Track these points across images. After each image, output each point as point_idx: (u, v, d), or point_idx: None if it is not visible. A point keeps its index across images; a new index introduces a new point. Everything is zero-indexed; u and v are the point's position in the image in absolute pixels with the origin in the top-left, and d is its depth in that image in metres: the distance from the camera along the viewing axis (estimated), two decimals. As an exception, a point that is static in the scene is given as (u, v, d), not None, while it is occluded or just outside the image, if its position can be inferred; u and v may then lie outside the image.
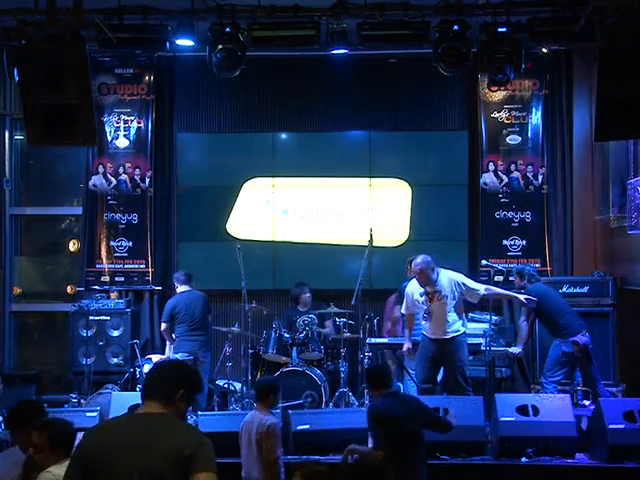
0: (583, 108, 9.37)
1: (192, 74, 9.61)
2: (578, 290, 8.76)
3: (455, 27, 6.88)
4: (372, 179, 9.64)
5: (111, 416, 6.97)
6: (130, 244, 9.59)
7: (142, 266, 9.59)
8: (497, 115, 9.47)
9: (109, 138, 9.62)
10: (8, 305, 9.92)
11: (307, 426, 6.85)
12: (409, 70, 9.57)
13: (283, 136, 9.90)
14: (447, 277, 7.50)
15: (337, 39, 7.19)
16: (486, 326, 7.95)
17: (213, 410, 8.21)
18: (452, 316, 7.45)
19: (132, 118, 9.62)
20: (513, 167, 9.46)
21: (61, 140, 6.90)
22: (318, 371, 8.29)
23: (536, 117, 9.44)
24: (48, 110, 6.45)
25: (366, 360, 8.20)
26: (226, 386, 8.30)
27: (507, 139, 9.48)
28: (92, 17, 6.79)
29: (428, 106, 9.72)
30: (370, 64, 9.45)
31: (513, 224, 9.44)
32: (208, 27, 7.09)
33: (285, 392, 7.80)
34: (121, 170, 9.62)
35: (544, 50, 8.95)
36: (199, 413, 8.05)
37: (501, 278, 8.48)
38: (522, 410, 6.79)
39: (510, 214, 9.45)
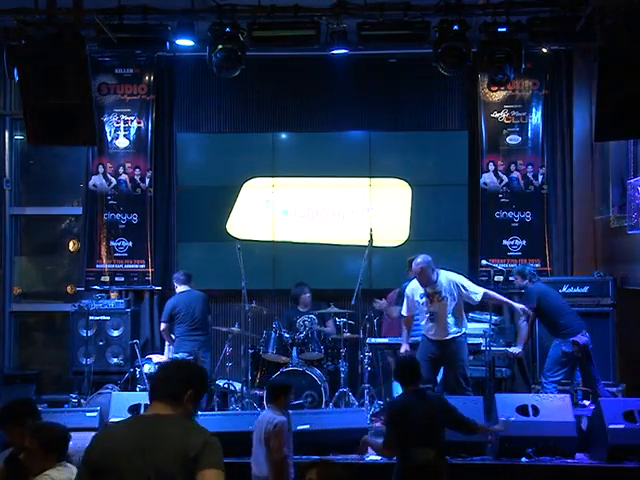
0: (583, 108, 9.37)
1: (192, 74, 9.60)
2: (578, 290, 8.76)
3: (455, 27, 6.87)
4: (372, 179, 9.64)
5: (111, 416, 6.99)
6: (130, 244, 9.59)
7: (142, 266, 9.59)
8: (497, 115, 9.47)
9: (109, 138, 9.62)
10: (8, 305, 9.91)
11: (307, 426, 6.85)
12: (409, 70, 9.57)
13: (283, 136, 9.90)
14: (446, 278, 7.49)
15: (337, 39, 7.17)
16: (486, 326, 7.95)
17: (213, 410, 8.21)
18: (452, 317, 7.44)
19: (132, 118, 9.62)
20: (513, 167, 9.46)
21: (61, 140, 6.91)
22: (318, 371, 8.29)
23: (536, 117, 9.44)
24: (48, 110, 6.45)
25: (366, 360, 8.21)
26: (226, 386, 8.30)
27: (507, 139, 9.48)
28: (92, 17, 6.78)
29: (428, 106, 9.72)
30: (370, 64, 9.45)
31: (513, 224, 9.44)
32: (208, 27, 7.09)
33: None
34: (121, 170, 9.62)
35: (544, 50, 8.95)
36: (199, 413, 8.06)
37: (501, 278, 8.49)
38: (522, 410, 6.79)
39: (510, 214, 9.45)
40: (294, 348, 8.41)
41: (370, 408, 7.92)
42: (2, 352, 9.73)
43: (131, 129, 9.64)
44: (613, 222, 8.76)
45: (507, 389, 8.58)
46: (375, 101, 9.66)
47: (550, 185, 9.45)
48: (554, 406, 6.86)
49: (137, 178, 9.63)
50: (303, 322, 8.71)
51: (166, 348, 8.95)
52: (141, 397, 7.27)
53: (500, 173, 9.47)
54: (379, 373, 8.49)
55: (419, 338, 8.03)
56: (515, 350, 8.07)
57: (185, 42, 7.42)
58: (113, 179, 9.62)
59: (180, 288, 8.70)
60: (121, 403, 7.12)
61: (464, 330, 7.56)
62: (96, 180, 9.62)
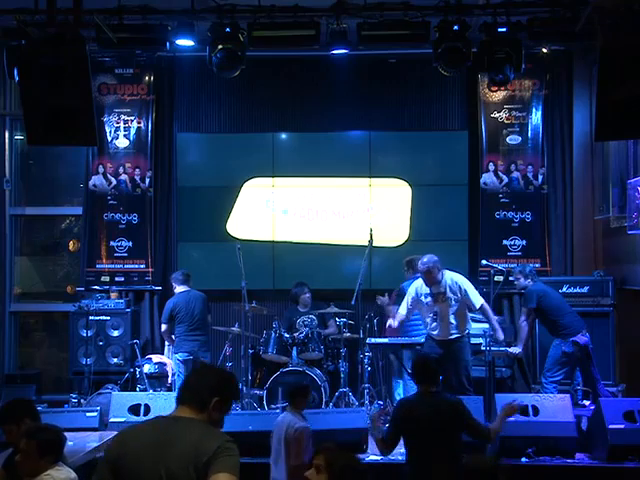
0: (583, 108, 9.37)
1: (192, 74, 9.60)
2: (578, 290, 8.76)
3: (455, 27, 6.88)
4: (372, 179, 9.64)
5: (111, 416, 6.99)
6: (130, 244, 9.59)
7: (142, 266, 9.59)
8: (497, 115, 9.47)
9: (109, 138, 9.62)
10: (8, 305, 9.91)
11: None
12: (409, 70, 9.58)
13: (283, 136, 9.90)
14: (451, 278, 7.50)
15: (337, 39, 7.19)
16: (486, 326, 7.93)
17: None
18: (456, 317, 7.46)
19: (132, 118, 9.62)
20: (513, 167, 9.46)
21: (61, 140, 6.89)
22: (318, 371, 8.29)
23: (536, 117, 9.45)
24: (48, 110, 6.44)
25: (366, 360, 8.21)
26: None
27: (507, 139, 9.48)
28: (92, 17, 6.79)
29: (428, 106, 9.72)
30: (370, 64, 9.45)
31: (513, 224, 9.44)
32: (208, 27, 7.09)
33: (285, 392, 7.81)
34: (121, 170, 9.62)
35: (544, 50, 8.94)
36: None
37: (501, 278, 8.47)
38: (522, 410, 6.78)
39: (510, 214, 9.45)
40: (294, 348, 8.41)
41: (370, 408, 7.91)
42: (2, 352, 9.73)
43: (131, 129, 9.64)
44: (613, 222, 8.76)
45: (507, 389, 8.57)
46: (375, 101, 9.66)
47: (550, 185, 9.46)
48: (554, 406, 6.86)
49: (137, 178, 9.63)
50: (303, 322, 8.71)
51: (166, 348, 8.96)
52: (141, 397, 7.28)
53: (500, 173, 9.47)
54: (379, 373, 8.50)
55: (418, 338, 8.07)
56: (515, 350, 8.07)
57: (185, 42, 7.42)
58: (113, 179, 9.62)
59: (179, 288, 8.69)
60: (121, 403, 7.12)
61: (468, 330, 7.57)
62: (96, 180, 9.62)
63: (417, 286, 7.61)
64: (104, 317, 9.11)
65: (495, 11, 6.90)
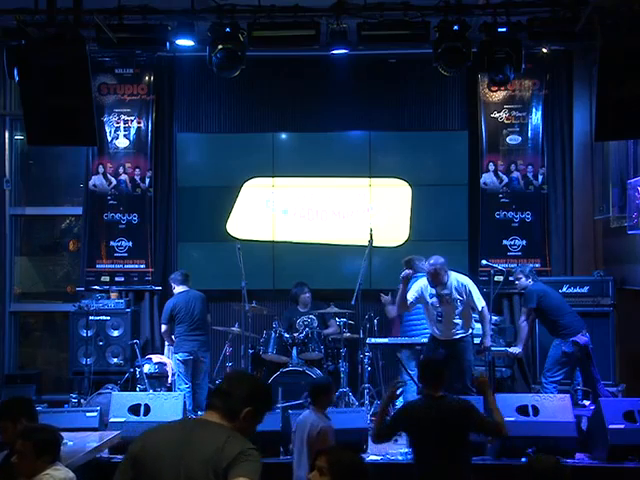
0: (583, 108, 9.36)
1: (192, 74, 9.60)
2: (578, 290, 8.76)
3: (455, 27, 6.87)
4: (372, 179, 9.64)
5: (111, 416, 6.99)
6: (130, 244, 9.59)
7: (142, 266, 9.59)
8: (497, 115, 9.47)
9: (109, 138, 9.62)
10: (8, 305, 9.91)
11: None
12: (409, 70, 9.57)
13: (283, 136, 9.90)
14: (456, 280, 7.50)
15: (337, 39, 7.17)
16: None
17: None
18: (460, 318, 7.46)
19: (132, 118, 9.62)
20: (513, 167, 9.46)
21: (61, 140, 6.91)
22: (318, 371, 8.29)
23: (536, 117, 9.45)
24: (48, 110, 6.45)
25: (366, 360, 8.21)
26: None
27: (507, 139, 9.48)
28: (92, 17, 6.78)
29: (428, 106, 9.71)
30: (370, 64, 9.45)
31: (513, 224, 9.44)
32: (208, 27, 7.09)
33: (285, 392, 7.81)
34: (121, 170, 9.62)
35: (544, 50, 8.94)
36: (199, 413, 8.07)
37: (501, 278, 8.47)
38: (522, 410, 6.79)
39: (510, 214, 9.45)
40: (294, 348, 8.41)
41: (370, 408, 7.91)
42: (2, 352, 9.73)
43: (131, 129, 9.64)
44: (613, 222, 8.76)
45: (507, 389, 8.57)
46: (375, 101, 9.66)
47: (550, 185, 9.46)
48: (554, 406, 6.86)
49: (137, 178, 9.63)
50: (303, 322, 8.71)
51: (166, 348, 8.96)
52: (141, 397, 7.27)
53: (500, 173, 9.47)
54: (379, 373, 8.50)
55: (418, 338, 8.07)
56: (515, 350, 8.08)
57: (185, 42, 7.42)
58: (113, 179, 9.62)
59: (178, 289, 8.68)
60: (121, 403, 7.11)
61: (471, 331, 7.58)
62: (96, 180, 9.62)
63: (422, 284, 7.58)
64: (104, 317, 9.11)
65: (495, 11, 6.89)
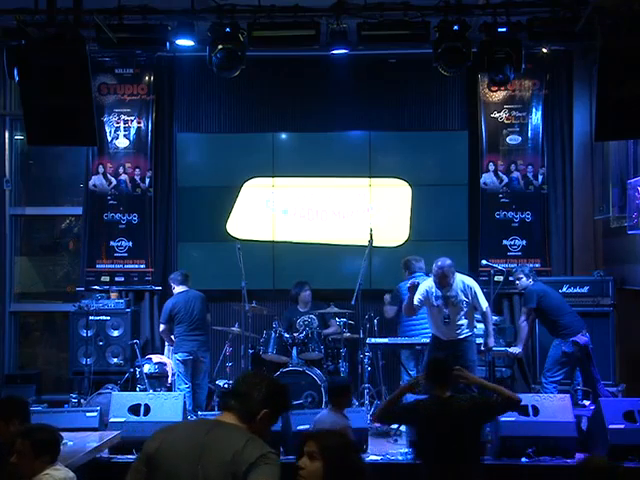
0: (583, 108, 9.36)
1: (192, 74, 9.60)
2: (578, 290, 8.76)
3: (455, 27, 6.87)
4: (372, 179, 9.64)
5: (111, 416, 6.99)
6: (130, 244, 9.59)
7: (142, 266, 9.59)
8: (497, 115, 9.47)
9: (109, 138, 9.62)
10: (8, 305, 9.91)
11: (307, 426, 6.82)
12: (409, 70, 9.56)
13: (283, 136, 9.89)
14: (462, 281, 7.49)
15: (337, 39, 7.17)
16: (486, 326, 7.95)
17: (213, 410, 8.22)
18: (465, 319, 7.47)
19: (132, 118, 9.62)
20: (513, 167, 9.46)
21: (61, 140, 6.91)
22: (318, 371, 8.29)
23: (536, 117, 9.45)
24: (48, 110, 6.45)
25: (366, 360, 8.21)
26: (226, 386, 8.30)
27: (507, 139, 9.48)
28: (92, 17, 6.78)
29: (428, 106, 9.71)
30: (370, 64, 9.45)
31: (513, 224, 9.44)
32: (208, 27, 7.09)
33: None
34: (121, 170, 9.62)
35: (544, 50, 8.94)
36: (199, 413, 8.08)
37: (501, 278, 8.47)
38: (522, 410, 6.78)
39: (510, 214, 9.45)
40: (294, 348, 8.41)
41: (370, 408, 7.91)
42: (2, 352, 9.73)
43: (131, 129, 9.64)
44: (613, 222, 8.76)
45: (507, 389, 8.56)
46: (375, 101, 9.66)
47: (550, 185, 9.45)
48: (554, 406, 6.86)
49: (137, 178, 9.62)
50: (303, 322, 8.71)
51: (166, 348, 8.95)
52: (141, 397, 7.28)
53: (500, 173, 9.47)
54: (379, 373, 8.50)
55: (418, 338, 8.07)
56: (515, 350, 8.08)
57: (185, 42, 7.41)
58: (113, 179, 9.62)
59: (178, 289, 8.68)
60: (121, 403, 7.12)
61: (474, 331, 7.59)
62: (96, 180, 9.62)
63: (428, 286, 7.57)
64: (104, 317, 9.10)
65: (495, 11, 6.89)
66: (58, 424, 5.15)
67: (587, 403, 7.80)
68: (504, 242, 9.42)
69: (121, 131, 9.63)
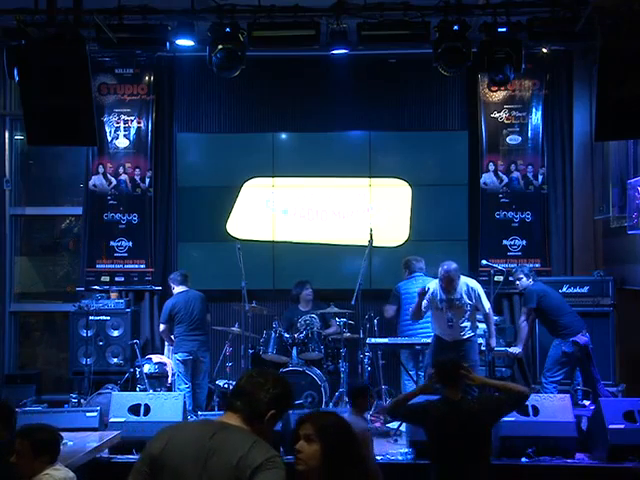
0: (583, 108, 9.36)
1: (192, 74, 9.60)
2: (578, 290, 8.76)
3: (455, 27, 6.87)
4: (372, 179, 9.64)
5: (111, 416, 6.99)
6: (130, 244, 9.59)
7: (142, 266, 9.59)
8: (497, 115, 9.47)
9: (109, 138, 9.62)
10: (8, 305, 9.91)
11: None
12: (409, 70, 9.57)
13: (283, 136, 9.89)
14: (466, 284, 7.50)
15: (337, 39, 7.18)
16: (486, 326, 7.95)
17: (213, 410, 8.22)
18: (468, 321, 7.48)
19: (132, 118, 9.62)
20: (513, 167, 9.46)
21: (61, 140, 6.91)
22: (318, 371, 8.29)
23: (536, 117, 9.45)
24: (48, 110, 6.45)
25: (366, 360, 8.21)
26: (226, 386, 8.31)
27: (507, 139, 9.48)
28: (92, 17, 6.78)
29: (428, 106, 9.71)
30: (370, 64, 9.45)
31: (513, 224, 9.44)
32: (208, 27, 7.09)
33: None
34: (121, 170, 9.62)
35: (544, 50, 8.94)
36: (199, 413, 8.08)
37: (501, 278, 8.47)
38: (522, 410, 6.78)
39: (510, 214, 9.45)
40: (294, 348, 8.41)
41: (370, 408, 7.90)
42: (2, 352, 9.73)
43: (131, 129, 9.64)
44: (613, 222, 8.76)
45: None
46: (375, 101, 9.66)
47: (550, 185, 9.45)
48: (554, 406, 6.85)
49: (137, 178, 9.62)
50: (305, 321, 8.70)
51: (166, 348, 8.96)
52: (141, 397, 7.28)
53: (500, 173, 9.47)
54: (379, 373, 8.50)
55: (417, 338, 8.07)
56: (515, 350, 8.08)
57: (185, 42, 7.42)
58: (113, 179, 9.62)
59: (178, 289, 8.68)
60: (121, 403, 7.12)
61: (477, 331, 7.59)
62: (96, 180, 9.62)
63: (433, 288, 7.57)
64: (104, 317, 9.10)
65: (495, 11, 6.89)
66: (58, 424, 5.14)
67: (587, 403, 7.80)
68: (504, 242, 9.42)
69: (121, 131, 9.63)
